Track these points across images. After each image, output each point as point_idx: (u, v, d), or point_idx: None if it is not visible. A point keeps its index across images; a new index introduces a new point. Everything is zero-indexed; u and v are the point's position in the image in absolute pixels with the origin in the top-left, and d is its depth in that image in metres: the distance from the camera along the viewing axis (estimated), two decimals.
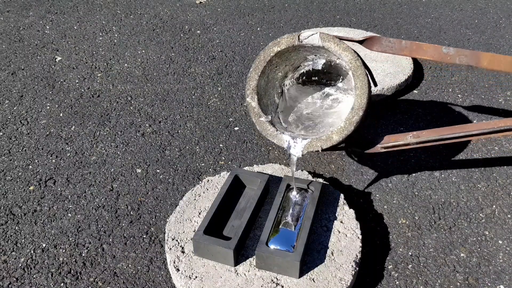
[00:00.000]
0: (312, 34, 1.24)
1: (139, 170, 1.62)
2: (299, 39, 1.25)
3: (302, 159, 1.67)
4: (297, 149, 1.30)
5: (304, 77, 1.51)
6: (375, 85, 1.43)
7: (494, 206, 1.47)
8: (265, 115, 1.35)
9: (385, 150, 1.37)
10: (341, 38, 1.34)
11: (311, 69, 1.47)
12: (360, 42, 1.34)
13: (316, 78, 1.54)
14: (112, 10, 2.91)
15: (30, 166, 1.64)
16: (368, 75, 1.28)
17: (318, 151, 1.30)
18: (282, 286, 1.13)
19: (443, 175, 1.60)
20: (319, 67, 1.45)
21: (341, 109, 1.50)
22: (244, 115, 1.91)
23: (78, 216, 1.44)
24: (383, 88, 1.96)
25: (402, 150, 1.71)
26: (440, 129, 1.35)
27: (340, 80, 1.53)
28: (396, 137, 1.37)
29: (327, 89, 1.54)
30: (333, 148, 1.36)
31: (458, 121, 1.87)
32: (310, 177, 1.47)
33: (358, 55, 1.27)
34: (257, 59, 1.30)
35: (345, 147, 1.42)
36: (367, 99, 1.24)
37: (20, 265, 1.28)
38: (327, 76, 1.53)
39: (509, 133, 1.30)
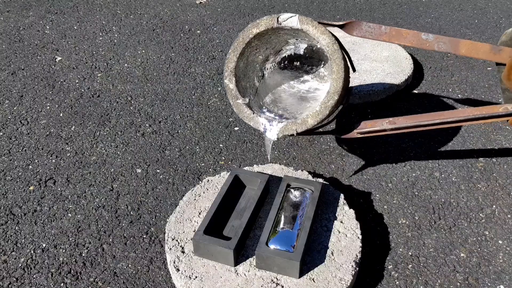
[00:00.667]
0: (291, 17, 1.23)
1: (139, 170, 1.62)
2: (278, 21, 1.24)
3: (303, 160, 1.67)
4: (272, 132, 1.30)
5: (286, 62, 1.51)
6: (354, 70, 1.43)
7: (494, 206, 1.47)
8: (243, 97, 1.35)
9: (361, 135, 1.39)
10: (321, 22, 1.35)
11: (293, 53, 1.47)
12: (341, 26, 1.35)
13: (298, 63, 1.54)
14: (112, 10, 2.91)
15: (30, 166, 1.64)
16: (346, 60, 1.28)
17: (293, 134, 1.30)
18: (282, 286, 1.13)
19: (443, 175, 1.60)
20: (301, 52, 1.45)
21: (318, 95, 1.50)
22: None
23: (78, 216, 1.44)
24: (383, 88, 1.96)
25: (402, 150, 1.71)
26: (417, 116, 1.36)
27: (322, 65, 1.53)
28: (372, 123, 1.39)
29: (306, 76, 1.54)
30: (310, 132, 1.36)
31: None
32: (310, 177, 1.47)
33: (336, 39, 1.26)
34: (235, 41, 1.29)
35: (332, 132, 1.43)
36: (343, 83, 1.24)
37: (20, 265, 1.28)
38: (309, 61, 1.53)
39: (484, 121, 1.31)
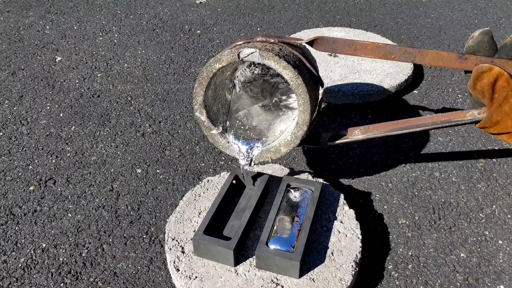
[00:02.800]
0: (251, 53, 1.23)
1: (139, 170, 1.62)
2: (239, 57, 1.24)
3: (303, 160, 1.67)
4: (248, 160, 1.37)
5: (254, 64, 1.50)
6: (322, 86, 1.45)
7: (494, 206, 1.47)
8: (215, 126, 1.37)
9: (334, 145, 1.42)
10: (286, 42, 1.33)
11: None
12: (309, 43, 1.36)
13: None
14: (112, 10, 2.91)
15: (30, 166, 1.64)
16: (312, 91, 1.29)
17: (269, 161, 1.37)
18: (282, 286, 1.13)
19: (443, 175, 1.60)
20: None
21: (290, 102, 1.51)
22: None
23: (78, 216, 1.44)
24: (383, 88, 1.96)
25: (403, 150, 1.71)
26: (386, 124, 1.39)
27: None
28: (344, 132, 1.41)
29: (276, 79, 1.54)
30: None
31: None
32: (310, 177, 1.47)
33: (301, 71, 1.26)
34: (200, 75, 1.29)
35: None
36: (310, 115, 1.28)
37: (20, 265, 1.28)
38: None
39: (453, 127, 1.32)
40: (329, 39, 1.34)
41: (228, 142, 1.38)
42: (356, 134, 1.39)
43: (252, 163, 1.36)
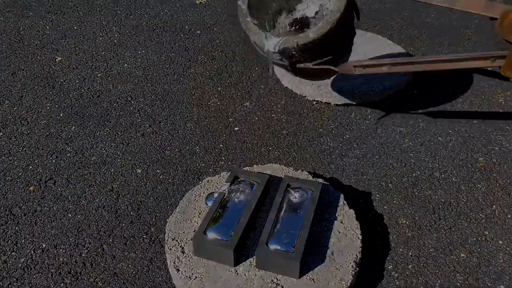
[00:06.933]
0: None
1: (139, 170, 1.62)
2: None
3: (303, 160, 1.67)
4: (273, 43, 1.35)
5: (297, 26, 1.54)
6: (358, 18, 1.51)
7: (494, 206, 1.47)
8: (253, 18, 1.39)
9: (359, 72, 1.48)
10: None
11: (304, 16, 1.52)
12: None
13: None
14: (112, 10, 2.91)
15: (30, 166, 1.64)
16: None
17: (294, 47, 1.37)
18: (282, 286, 1.13)
19: (443, 175, 1.60)
20: (312, 14, 1.50)
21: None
22: (244, 115, 1.91)
23: (78, 216, 1.44)
24: (383, 88, 1.96)
25: (402, 150, 1.71)
26: (412, 65, 1.52)
27: None
28: (372, 62, 1.51)
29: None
30: (311, 71, 1.40)
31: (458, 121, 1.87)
32: (310, 177, 1.47)
33: None
34: None
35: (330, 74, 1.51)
36: (345, 3, 1.30)
37: (20, 265, 1.28)
38: None
39: (478, 62, 1.46)
40: None
41: (259, 29, 1.38)
42: (383, 68, 1.47)
43: (277, 48, 1.34)
